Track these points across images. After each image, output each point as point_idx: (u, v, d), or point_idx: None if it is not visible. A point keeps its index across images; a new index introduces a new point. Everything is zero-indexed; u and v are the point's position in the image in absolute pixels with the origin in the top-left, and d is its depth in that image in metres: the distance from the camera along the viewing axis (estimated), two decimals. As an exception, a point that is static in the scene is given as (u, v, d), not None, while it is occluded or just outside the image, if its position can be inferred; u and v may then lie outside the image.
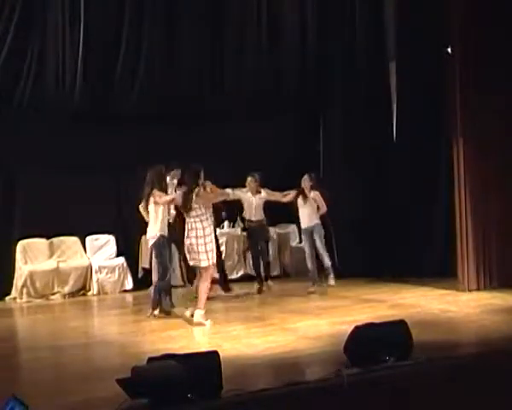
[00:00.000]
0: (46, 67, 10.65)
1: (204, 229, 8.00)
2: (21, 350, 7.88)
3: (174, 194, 8.73)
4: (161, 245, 8.58)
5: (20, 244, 11.02)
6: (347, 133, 12.02)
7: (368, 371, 5.45)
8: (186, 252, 8.17)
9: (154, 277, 9.08)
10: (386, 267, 11.04)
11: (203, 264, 8.06)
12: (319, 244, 10.12)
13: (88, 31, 10.54)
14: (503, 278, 9.76)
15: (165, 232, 8.65)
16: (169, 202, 8.66)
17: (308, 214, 10.18)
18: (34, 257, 11.08)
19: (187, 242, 8.08)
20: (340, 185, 11.54)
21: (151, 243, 8.71)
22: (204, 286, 8.12)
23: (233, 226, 12.39)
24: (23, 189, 11.09)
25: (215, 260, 8.27)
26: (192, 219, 8.05)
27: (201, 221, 8.02)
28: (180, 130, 11.60)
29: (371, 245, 11.37)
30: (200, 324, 7.94)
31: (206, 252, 8.02)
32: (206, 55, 11.72)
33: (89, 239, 11.50)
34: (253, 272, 12.07)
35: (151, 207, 8.62)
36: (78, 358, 7.02)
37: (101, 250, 11.54)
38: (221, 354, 5.27)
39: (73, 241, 11.48)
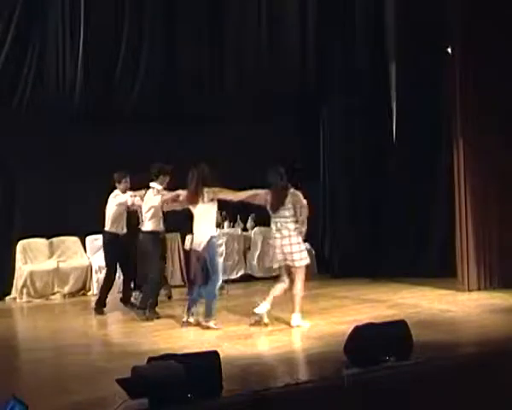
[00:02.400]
0: (46, 67, 10.65)
1: (295, 229, 7.87)
2: (21, 350, 7.88)
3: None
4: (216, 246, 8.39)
5: (20, 244, 11.02)
6: (347, 133, 12.03)
7: (368, 371, 5.45)
8: (280, 253, 7.90)
9: (200, 279, 8.58)
10: (386, 267, 11.04)
11: (297, 264, 7.90)
12: None
13: (88, 31, 10.55)
14: (503, 278, 9.77)
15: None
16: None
17: None
18: (34, 257, 11.07)
19: (277, 243, 7.90)
20: (340, 185, 11.54)
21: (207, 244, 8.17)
22: (300, 287, 7.90)
23: (233, 226, 12.39)
24: (23, 189, 11.07)
25: (308, 261, 8.13)
26: (283, 219, 7.87)
27: (293, 222, 7.87)
28: (180, 130, 11.59)
29: (371, 245, 11.38)
30: (299, 326, 7.79)
31: (301, 252, 7.90)
32: (206, 55, 11.73)
33: (89, 239, 11.48)
34: (253, 273, 12.13)
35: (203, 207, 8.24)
36: (78, 358, 7.01)
37: (101, 250, 11.51)
38: (221, 354, 5.27)
39: (73, 241, 11.47)
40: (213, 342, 7.14)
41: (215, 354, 5.24)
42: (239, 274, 12.10)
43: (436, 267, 10.73)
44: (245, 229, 12.43)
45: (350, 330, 5.87)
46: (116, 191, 9.40)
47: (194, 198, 8.06)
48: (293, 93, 12.45)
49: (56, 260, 11.15)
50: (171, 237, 11.66)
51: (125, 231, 9.45)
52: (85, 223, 11.14)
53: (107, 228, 9.46)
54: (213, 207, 8.12)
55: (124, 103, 11.30)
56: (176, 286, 11.37)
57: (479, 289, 9.66)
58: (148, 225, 8.73)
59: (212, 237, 7.99)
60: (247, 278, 11.95)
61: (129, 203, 9.26)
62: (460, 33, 9.72)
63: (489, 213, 9.80)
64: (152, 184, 8.71)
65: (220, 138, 11.81)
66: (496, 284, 9.77)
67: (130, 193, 9.28)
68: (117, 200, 9.33)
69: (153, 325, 8.20)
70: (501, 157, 9.79)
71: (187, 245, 11.76)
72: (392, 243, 11.23)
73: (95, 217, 11.21)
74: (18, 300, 10.70)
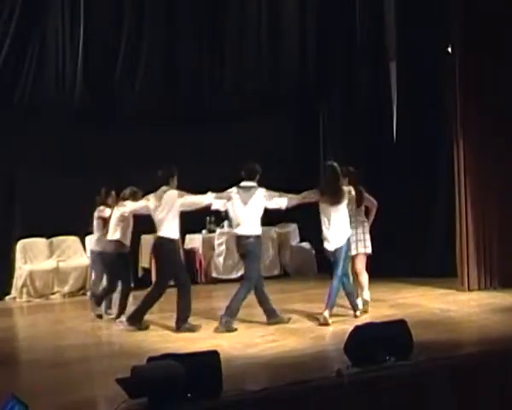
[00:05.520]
0: (46, 67, 10.65)
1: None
2: (21, 350, 7.88)
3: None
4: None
5: (20, 244, 11.02)
6: (347, 133, 12.03)
7: (368, 371, 5.45)
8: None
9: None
10: (386, 267, 11.04)
11: (368, 250, 8.68)
12: None
13: (88, 31, 10.56)
14: (503, 278, 9.77)
15: None
16: None
17: None
18: (34, 257, 11.08)
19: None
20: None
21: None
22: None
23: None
24: (23, 188, 11.08)
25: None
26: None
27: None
28: (180, 130, 11.59)
29: (371, 245, 11.37)
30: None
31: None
32: (206, 55, 11.73)
33: (88, 239, 11.47)
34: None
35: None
36: (78, 358, 7.01)
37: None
38: (221, 354, 5.27)
39: (73, 240, 11.48)
40: (213, 342, 7.13)
41: (215, 354, 5.24)
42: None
43: (436, 267, 10.73)
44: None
45: (350, 330, 5.86)
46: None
47: (335, 198, 8.05)
48: (293, 93, 12.47)
49: (56, 259, 11.16)
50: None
51: None
52: (85, 223, 11.14)
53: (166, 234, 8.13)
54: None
55: (124, 103, 11.30)
56: (176, 286, 11.37)
57: (479, 289, 9.66)
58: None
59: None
60: (247, 278, 11.93)
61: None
62: (460, 33, 9.72)
63: (489, 213, 9.80)
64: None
65: (220, 138, 11.82)
66: (496, 284, 9.78)
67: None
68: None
69: (153, 325, 8.19)
70: (501, 157, 9.80)
71: (187, 245, 11.83)
72: (392, 243, 11.22)
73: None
74: (18, 299, 10.71)
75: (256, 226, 8.01)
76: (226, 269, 11.85)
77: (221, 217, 11.61)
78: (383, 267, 11.09)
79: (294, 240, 12.81)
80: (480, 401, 5.57)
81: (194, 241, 12.07)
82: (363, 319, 7.76)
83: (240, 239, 8.08)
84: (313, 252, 12.37)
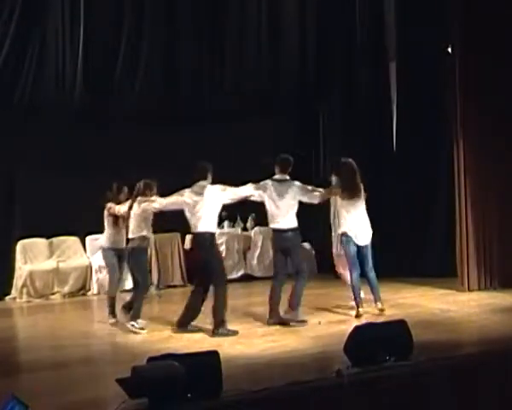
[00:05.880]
0: (46, 67, 10.66)
1: None
2: (21, 350, 7.88)
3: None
4: None
5: (20, 244, 11.02)
6: (347, 133, 12.02)
7: (368, 371, 5.45)
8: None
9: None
10: (386, 267, 11.03)
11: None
12: None
13: (88, 31, 10.56)
14: (503, 278, 9.77)
15: None
16: None
17: None
18: (34, 257, 11.07)
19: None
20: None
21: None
22: None
23: (233, 226, 12.39)
24: (23, 188, 11.08)
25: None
26: None
27: None
28: (180, 130, 11.59)
29: (371, 245, 11.36)
30: None
31: None
32: (206, 55, 11.73)
33: (89, 239, 11.48)
34: (253, 273, 12.12)
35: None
36: (78, 358, 7.01)
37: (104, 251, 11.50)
38: (221, 354, 5.27)
39: (73, 240, 11.48)
40: (213, 342, 7.13)
41: (215, 354, 5.24)
42: (239, 274, 12.09)
43: (436, 267, 10.73)
44: (245, 229, 12.43)
45: (350, 330, 5.86)
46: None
47: (354, 194, 8.24)
48: (293, 93, 12.48)
49: (56, 259, 11.16)
50: (171, 236, 11.68)
51: None
52: (85, 223, 11.15)
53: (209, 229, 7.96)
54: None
55: (124, 103, 11.30)
56: (176, 286, 11.40)
57: (479, 289, 9.66)
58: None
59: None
60: (247, 278, 11.95)
61: None
62: (460, 33, 9.72)
63: (489, 213, 9.80)
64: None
65: (220, 138, 11.82)
66: (496, 284, 9.77)
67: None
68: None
69: (153, 325, 8.19)
70: (501, 157, 9.80)
71: (187, 245, 11.82)
72: (392, 243, 11.22)
73: (95, 217, 11.24)
74: (18, 300, 10.71)
75: (293, 219, 8.02)
76: (226, 269, 11.81)
77: (221, 217, 11.61)
78: (383, 267, 11.08)
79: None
80: (479, 401, 5.56)
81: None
82: (363, 319, 7.76)
83: (278, 234, 8.03)
84: (313, 252, 12.36)
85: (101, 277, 11.12)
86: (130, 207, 8.20)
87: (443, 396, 5.48)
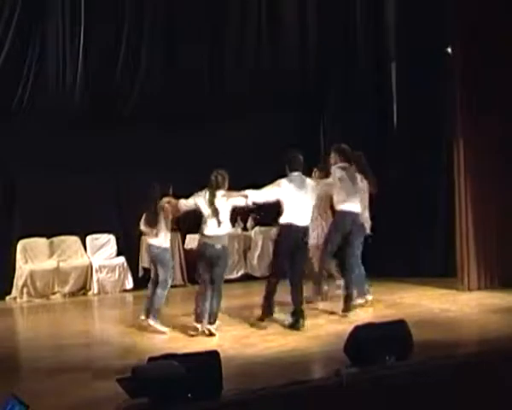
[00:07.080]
0: (46, 67, 10.65)
1: None
2: (21, 350, 7.89)
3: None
4: None
5: (21, 244, 11.02)
6: (347, 133, 12.01)
7: (368, 371, 5.45)
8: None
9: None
10: (386, 267, 11.04)
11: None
12: None
13: (88, 31, 10.55)
14: (503, 278, 9.77)
15: None
16: None
17: None
18: (34, 256, 11.07)
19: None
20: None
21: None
22: None
23: (233, 226, 12.37)
24: (23, 188, 11.07)
25: None
26: None
27: None
28: (180, 130, 11.59)
29: (371, 245, 11.36)
30: None
31: None
32: (206, 55, 11.73)
33: (89, 238, 11.49)
34: (253, 273, 12.12)
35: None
36: (78, 358, 7.02)
37: (102, 250, 11.53)
38: (221, 354, 5.27)
39: (74, 240, 11.47)
40: (213, 342, 7.14)
41: (215, 354, 5.25)
42: (239, 274, 12.09)
43: (436, 267, 10.73)
44: (245, 229, 12.43)
45: (350, 330, 5.87)
46: None
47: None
48: (294, 93, 12.46)
49: (57, 259, 11.16)
50: (172, 236, 11.64)
51: None
52: (85, 222, 11.16)
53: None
54: None
55: (124, 104, 11.30)
56: (176, 286, 11.38)
57: (479, 289, 9.66)
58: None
59: None
60: (247, 278, 11.95)
61: None
62: (460, 33, 9.73)
63: (489, 213, 9.80)
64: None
65: (220, 138, 11.81)
66: (496, 284, 9.78)
67: None
68: None
69: (152, 325, 8.18)
70: (501, 157, 9.80)
71: (187, 245, 11.81)
72: (392, 243, 11.22)
73: (95, 216, 11.25)
74: (18, 299, 10.70)
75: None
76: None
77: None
78: (383, 267, 11.10)
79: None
80: (479, 401, 5.56)
81: (195, 241, 12.04)
82: (364, 319, 7.76)
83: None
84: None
85: (101, 276, 11.14)
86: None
87: (443, 396, 5.48)
